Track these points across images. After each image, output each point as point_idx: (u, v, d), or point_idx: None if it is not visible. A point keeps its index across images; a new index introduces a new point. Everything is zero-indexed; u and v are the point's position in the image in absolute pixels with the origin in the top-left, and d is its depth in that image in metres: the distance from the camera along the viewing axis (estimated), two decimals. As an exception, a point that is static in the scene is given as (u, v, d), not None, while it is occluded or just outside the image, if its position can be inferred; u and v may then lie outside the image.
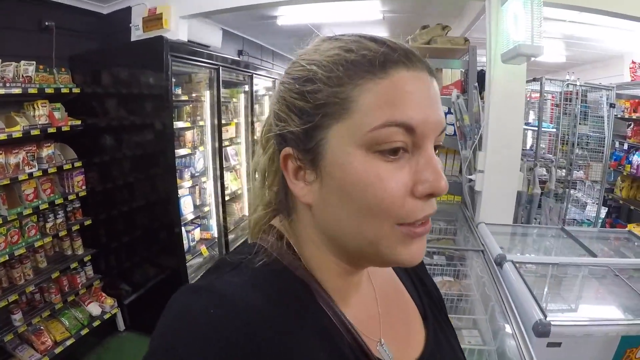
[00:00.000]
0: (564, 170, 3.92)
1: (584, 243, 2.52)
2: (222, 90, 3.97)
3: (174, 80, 3.23)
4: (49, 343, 2.75)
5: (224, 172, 4.08)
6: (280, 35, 5.25)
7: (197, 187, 3.81)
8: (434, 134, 0.47)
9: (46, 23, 3.00)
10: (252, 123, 4.42)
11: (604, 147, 3.77)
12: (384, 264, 0.54)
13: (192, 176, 3.71)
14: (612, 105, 3.73)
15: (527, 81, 4.46)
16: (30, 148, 2.76)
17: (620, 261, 2.26)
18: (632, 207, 4.59)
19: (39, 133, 2.75)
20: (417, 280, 0.71)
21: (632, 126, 4.67)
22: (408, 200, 0.45)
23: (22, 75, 2.66)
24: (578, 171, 3.89)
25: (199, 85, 3.68)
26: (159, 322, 0.43)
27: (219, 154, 3.83)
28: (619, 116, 4.67)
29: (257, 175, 0.57)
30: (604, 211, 4.64)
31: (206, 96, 3.74)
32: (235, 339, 0.40)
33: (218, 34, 4.34)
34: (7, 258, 2.57)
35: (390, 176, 0.45)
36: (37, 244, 2.79)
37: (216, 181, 3.88)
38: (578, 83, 3.64)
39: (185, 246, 3.53)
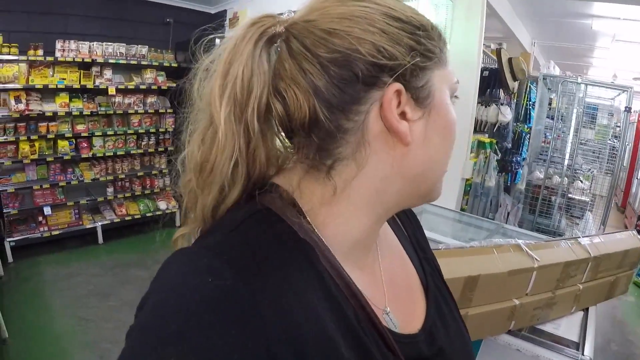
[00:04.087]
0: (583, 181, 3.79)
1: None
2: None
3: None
4: (124, 212, 4.77)
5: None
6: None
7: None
8: None
9: (167, 19, 4.93)
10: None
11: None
12: (429, 199, 0.58)
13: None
14: (627, 110, 3.44)
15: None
16: (140, 96, 4.74)
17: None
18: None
19: (145, 88, 4.71)
20: (418, 248, 0.72)
21: None
22: None
23: (139, 54, 4.59)
24: (581, 181, 3.72)
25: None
26: (151, 288, 0.43)
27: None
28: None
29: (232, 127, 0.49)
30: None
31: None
32: (236, 312, 0.39)
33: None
34: (112, 155, 4.63)
35: None
36: (132, 152, 4.81)
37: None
38: (579, 80, 3.53)
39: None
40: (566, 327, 1.79)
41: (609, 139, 3.59)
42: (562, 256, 1.72)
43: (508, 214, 3.77)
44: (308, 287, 0.46)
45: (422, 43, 0.50)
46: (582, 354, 1.60)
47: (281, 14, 0.54)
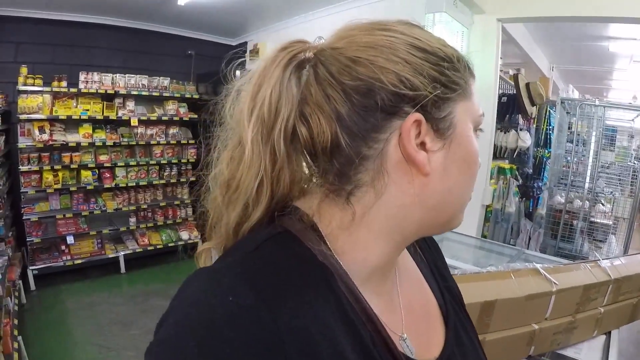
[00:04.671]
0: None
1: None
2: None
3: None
4: (147, 242, 4.90)
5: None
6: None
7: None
8: None
9: (189, 52, 5.18)
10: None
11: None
12: (449, 228, 0.59)
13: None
14: None
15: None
16: (162, 127, 4.94)
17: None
18: None
19: (167, 119, 4.92)
20: (438, 275, 0.73)
21: None
22: None
23: (161, 85, 4.81)
24: (603, 204, 3.70)
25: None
26: (172, 305, 0.44)
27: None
28: None
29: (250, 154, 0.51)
30: None
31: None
32: (256, 328, 0.41)
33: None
34: (134, 185, 4.79)
35: None
36: (155, 182, 4.97)
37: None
38: (597, 102, 3.56)
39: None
40: (588, 351, 1.78)
41: (630, 161, 3.60)
42: (582, 279, 1.72)
43: (529, 239, 3.76)
44: (325, 309, 0.47)
45: (446, 75, 0.52)
46: (604, 379, 1.61)
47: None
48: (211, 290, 0.43)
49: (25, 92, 4.16)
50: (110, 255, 4.64)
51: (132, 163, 4.77)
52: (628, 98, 6.08)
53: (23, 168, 4.20)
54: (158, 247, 4.94)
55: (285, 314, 0.43)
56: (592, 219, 3.71)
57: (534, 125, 4.46)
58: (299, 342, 0.42)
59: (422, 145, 0.51)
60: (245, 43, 5.38)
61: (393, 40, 0.51)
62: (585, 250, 3.63)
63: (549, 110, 4.50)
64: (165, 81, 4.88)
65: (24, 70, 4.15)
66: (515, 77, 3.74)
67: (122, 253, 4.68)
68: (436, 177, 0.52)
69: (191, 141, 5.15)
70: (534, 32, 4.54)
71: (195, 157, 5.20)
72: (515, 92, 3.80)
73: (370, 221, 0.53)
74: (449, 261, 2.53)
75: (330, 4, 4.22)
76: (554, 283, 1.65)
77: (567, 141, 4.04)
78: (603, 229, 3.80)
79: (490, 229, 3.66)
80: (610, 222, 3.83)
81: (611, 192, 3.68)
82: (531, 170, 4.50)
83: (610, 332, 1.88)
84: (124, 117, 4.61)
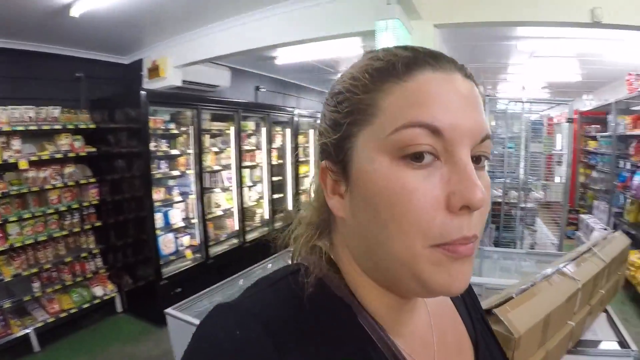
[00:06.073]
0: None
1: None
2: (219, 123, 5.27)
3: (167, 116, 4.66)
4: (57, 309, 4.20)
5: (221, 191, 5.41)
6: (292, 71, 6.34)
7: (187, 202, 5.00)
8: (468, 140, 0.45)
9: (76, 74, 4.58)
10: (240, 150, 5.57)
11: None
12: (423, 292, 0.48)
13: (183, 193, 4.93)
14: (569, 120, 3.98)
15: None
16: (56, 167, 4.28)
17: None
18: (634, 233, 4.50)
19: (62, 157, 4.27)
20: (470, 305, 0.71)
21: (634, 143, 4.65)
22: (440, 214, 0.44)
23: (50, 117, 4.19)
24: (537, 193, 4.16)
25: (187, 121, 4.91)
26: (191, 339, 0.47)
27: (200, 177, 4.95)
28: (621, 134, 4.70)
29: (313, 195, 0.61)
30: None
31: (191, 130, 4.89)
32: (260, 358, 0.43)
33: (226, 74, 5.62)
34: (33, 242, 4.08)
35: (417, 186, 0.43)
36: (55, 235, 4.29)
37: (198, 199, 5.01)
38: (524, 99, 4.00)
39: (173, 249, 4.72)
40: (600, 330, 2.02)
41: (552, 150, 4.10)
42: (592, 270, 1.92)
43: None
44: (341, 346, 0.48)
45: (340, 111, 0.50)
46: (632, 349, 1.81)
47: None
48: (220, 325, 0.47)
49: None
50: (18, 334, 3.88)
51: (26, 215, 4.02)
52: (517, 88, 6.91)
53: None
54: (72, 311, 4.27)
55: (291, 349, 0.45)
56: (522, 206, 4.14)
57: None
58: None
59: (339, 189, 0.53)
60: (140, 61, 4.92)
61: (326, 98, 0.56)
62: (524, 236, 4.06)
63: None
64: (56, 111, 4.22)
65: None
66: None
67: (32, 328, 3.94)
68: (350, 221, 0.52)
69: (91, 180, 4.56)
70: (444, 32, 4.83)
71: (98, 197, 4.62)
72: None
73: (345, 259, 0.56)
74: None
75: (240, 13, 4.03)
76: (578, 280, 1.82)
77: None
78: (531, 213, 4.28)
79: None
80: (535, 206, 4.33)
81: (537, 179, 4.14)
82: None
83: (606, 309, 2.16)
84: (11, 160, 3.87)
